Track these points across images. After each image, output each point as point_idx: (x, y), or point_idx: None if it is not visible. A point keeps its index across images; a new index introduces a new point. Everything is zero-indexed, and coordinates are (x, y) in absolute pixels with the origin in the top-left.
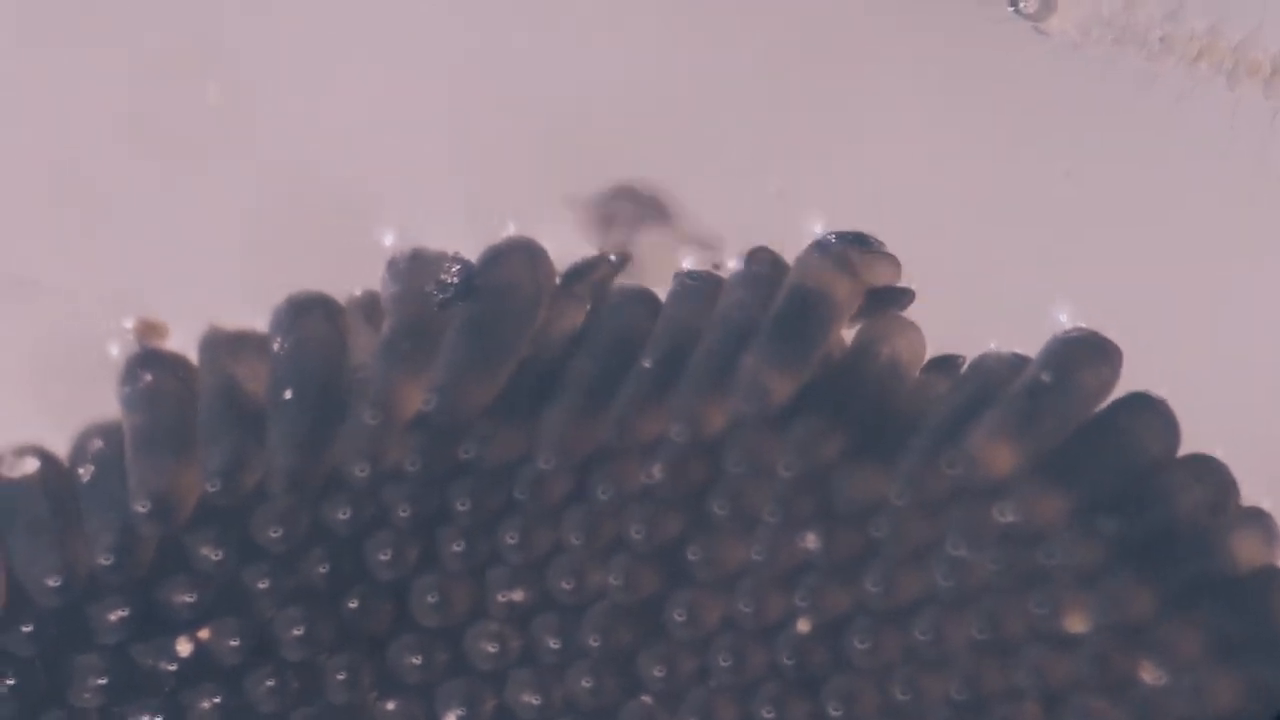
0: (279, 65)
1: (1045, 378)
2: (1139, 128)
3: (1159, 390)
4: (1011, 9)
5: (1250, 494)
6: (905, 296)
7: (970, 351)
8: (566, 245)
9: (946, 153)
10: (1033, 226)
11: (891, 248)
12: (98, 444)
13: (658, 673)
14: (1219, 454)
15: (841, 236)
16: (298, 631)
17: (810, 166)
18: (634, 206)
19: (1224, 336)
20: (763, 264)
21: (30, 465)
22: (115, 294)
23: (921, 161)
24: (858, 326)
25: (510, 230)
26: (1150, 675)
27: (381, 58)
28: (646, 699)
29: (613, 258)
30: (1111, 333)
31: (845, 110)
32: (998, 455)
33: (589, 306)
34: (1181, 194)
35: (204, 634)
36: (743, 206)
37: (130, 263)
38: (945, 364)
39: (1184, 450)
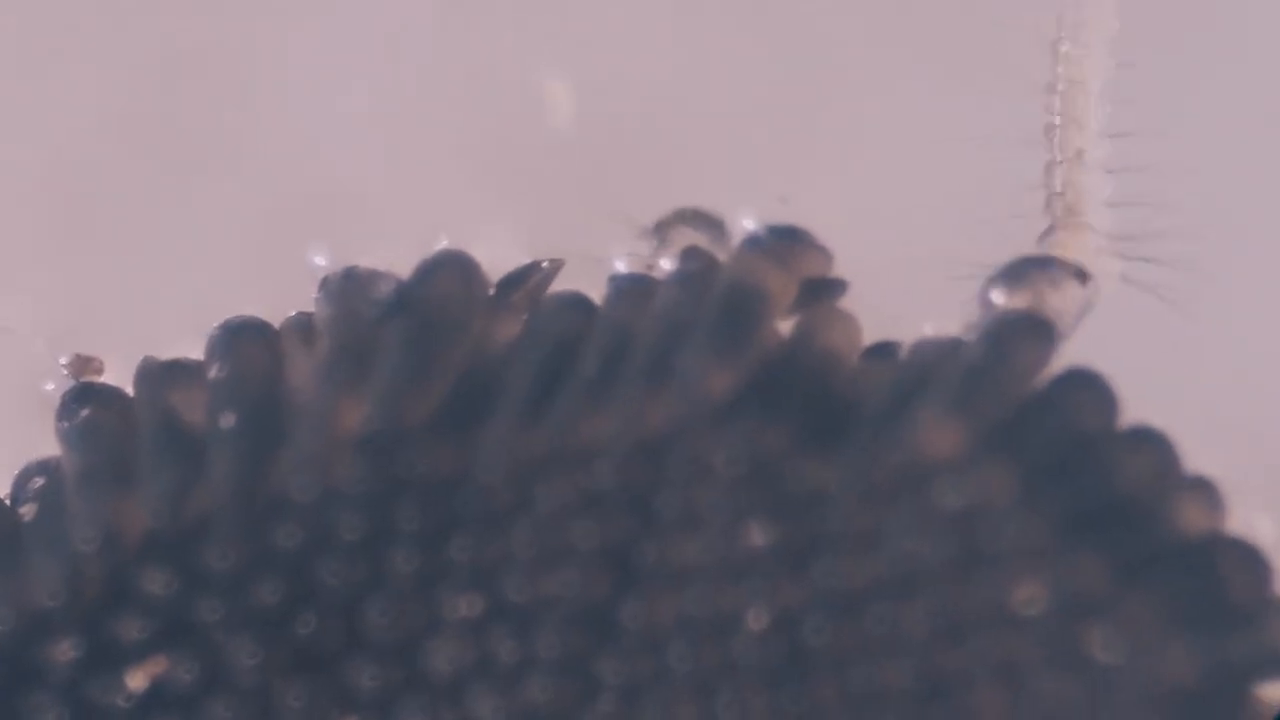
0: (274, 77)
1: (981, 356)
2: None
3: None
4: None
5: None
6: (838, 287)
7: None
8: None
9: (948, 157)
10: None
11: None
12: (39, 481)
13: (614, 677)
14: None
15: (773, 230)
16: (251, 659)
17: (814, 172)
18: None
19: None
20: (697, 262)
21: None
22: (69, 325)
23: (922, 166)
24: (795, 320)
25: (443, 243)
26: (1103, 649)
27: (377, 70)
28: (605, 703)
29: (545, 264)
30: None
31: (848, 114)
32: (939, 437)
33: (525, 316)
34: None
35: (156, 666)
36: (745, 211)
37: (127, 274)
38: (883, 350)
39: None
